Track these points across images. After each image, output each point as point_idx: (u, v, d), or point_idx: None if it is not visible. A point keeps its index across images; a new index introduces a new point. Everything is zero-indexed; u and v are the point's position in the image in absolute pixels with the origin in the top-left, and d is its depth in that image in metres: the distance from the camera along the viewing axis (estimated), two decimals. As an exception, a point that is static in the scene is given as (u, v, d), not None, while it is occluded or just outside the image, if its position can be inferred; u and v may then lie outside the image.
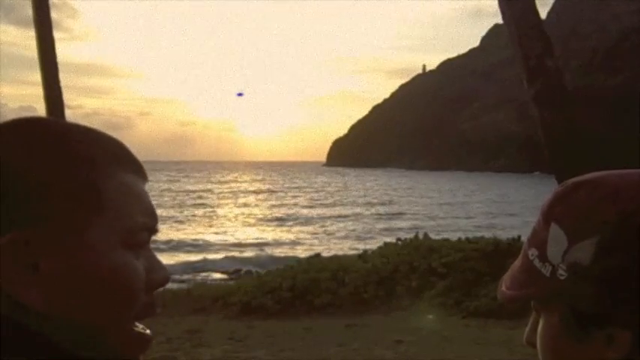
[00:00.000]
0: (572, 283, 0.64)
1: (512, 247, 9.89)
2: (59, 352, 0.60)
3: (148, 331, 0.66)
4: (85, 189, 0.61)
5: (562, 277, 0.65)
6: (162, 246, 25.01)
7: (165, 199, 57.34)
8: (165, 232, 30.58)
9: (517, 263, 0.73)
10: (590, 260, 0.63)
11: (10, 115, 0.69)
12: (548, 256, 0.67)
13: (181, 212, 44.73)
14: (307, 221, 39.10)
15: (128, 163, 0.66)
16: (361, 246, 20.58)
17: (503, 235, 12.28)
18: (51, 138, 0.62)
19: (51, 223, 0.59)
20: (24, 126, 0.63)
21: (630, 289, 0.61)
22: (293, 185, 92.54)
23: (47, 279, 0.59)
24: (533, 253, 0.69)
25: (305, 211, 46.49)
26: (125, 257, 0.62)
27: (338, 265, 10.56)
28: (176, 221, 38.10)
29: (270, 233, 33.14)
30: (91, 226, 0.61)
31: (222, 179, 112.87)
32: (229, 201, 58.67)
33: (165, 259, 22.05)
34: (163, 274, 0.67)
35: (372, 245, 15.76)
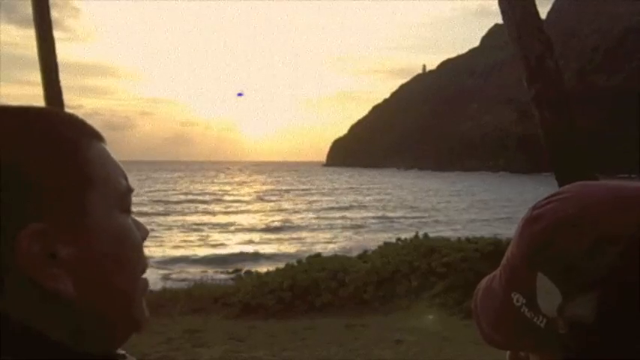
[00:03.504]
0: (575, 340, 0.60)
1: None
2: (61, 350, 0.60)
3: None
4: (73, 168, 0.62)
5: (562, 332, 0.61)
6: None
7: (170, 198, 57.36)
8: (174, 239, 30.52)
9: (495, 299, 0.68)
10: (594, 317, 0.59)
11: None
12: (540, 307, 0.63)
13: (173, 216, 44.60)
14: (319, 227, 36.98)
15: (92, 132, 0.67)
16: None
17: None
18: (26, 125, 0.62)
19: (55, 209, 0.59)
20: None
21: (638, 345, 0.59)
22: (300, 187, 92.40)
23: (69, 265, 0.59)
24: (518, 299, 0.65)
25: (313, 215, 46.02)
26: (124, 220, 0.65)
27: (338, 265, 10.55)
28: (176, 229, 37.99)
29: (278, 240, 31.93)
30: (88, 201, 0.61)
31: (224, 181, 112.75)
32: (232, 205, 58.40)
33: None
34: (145, 231, 0.70)
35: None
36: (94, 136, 0.67)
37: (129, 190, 0.67)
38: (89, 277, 0.61)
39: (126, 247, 0.64)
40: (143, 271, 0.68)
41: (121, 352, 0.69)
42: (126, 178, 0.68)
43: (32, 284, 0.58)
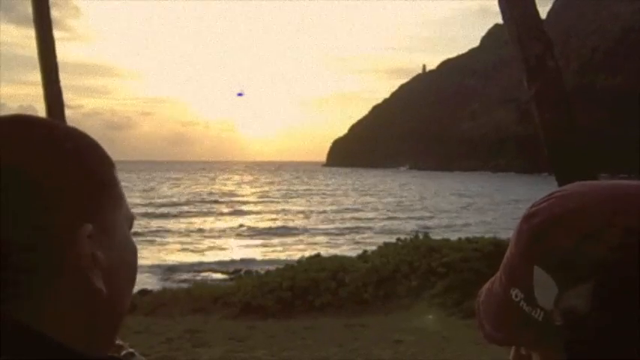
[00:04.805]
0: (571, 330, 0.62)
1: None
2: (61, 350, 0.60)
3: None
4: (112, 185, 0.68)
5: (558, 323, 0.63)
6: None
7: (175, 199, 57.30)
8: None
9: (496, 298, 0.70)
10: (589, 308, 0.61)
11: (9, 116, 0.71)
12: (537, 301, 0.64)
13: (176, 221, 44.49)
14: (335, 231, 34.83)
15: (109, 159, 0.72)
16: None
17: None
18: (90, 143, 0.69)
19: (96, 216, 0.64)
20: (46, 129, 0.66)
21: (633, 335, 0.60)
22: (300, 187, 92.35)
23: (103, 269, 0.63)
24: (517, 294, 0.66)
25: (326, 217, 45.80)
26: (132, 240, 0.70)
27: (338, 265, 10.56)
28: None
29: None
30: (117, 216, 0.67)
31: (224, 182, 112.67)
32: (232, 206, 58.30)
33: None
34: None
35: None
36: (111, 163, 0.72)
37: (133, 217, 0.73)
38: (111, 285, 0.64)
39: (134, 267, 0.69)
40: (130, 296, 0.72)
41: (130, 349, 0.71)
42: None
43: (79, 282, 0.61)
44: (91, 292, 0.62)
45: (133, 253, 0.70)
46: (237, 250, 27.03)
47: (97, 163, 0.68)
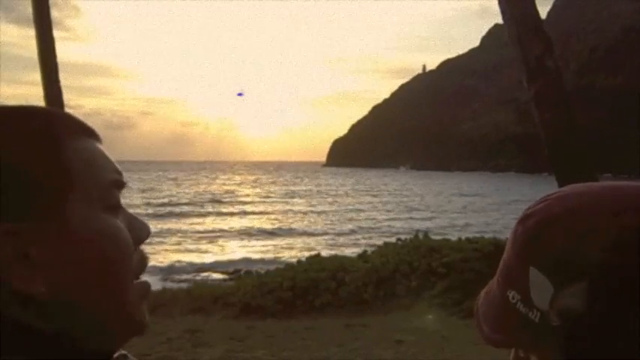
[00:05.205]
0: (567, 330, 0.62)
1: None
2: (61, 349, 0.59)
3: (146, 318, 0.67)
4: (52, 168, 0.60)
5: (554, 324, 0.63)
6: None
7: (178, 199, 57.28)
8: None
9: (494, 301, 0.70)
10: (583, 307, 0.61)
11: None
12: (533, 301, 0.64)
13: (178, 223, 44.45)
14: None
15: (80, 129, 0.65)
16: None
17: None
18: (7, 123, 0.61)
19: (30, 210, 0.58)
20: None
21: (628, 334, 0.60)
22: (301, 188, 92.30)
23: (43, 266, 0.58)
24: (514, 296, 0.66)
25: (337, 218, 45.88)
26: (108, 220, 0.63)
27: (338, 265, 10.55)
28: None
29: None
30: (68, 203, 0.60)
31: (224, 182, 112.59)
32: (232, 207, 58.31)
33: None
34: (145, 229, 0.68)
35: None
36: (82, 132, 0.65)
37: (117, 186, 0.66)
38: (68, 278, 0.59)
39: (109, 247, 0.62)
40: (139, 271, 0.66)
41: (123, 352, 0.69)
42: (119, 173, 0.67)
43: (4, 285, 0.57)
44: (20, 294, 0.57)
45: (108, 240, 0.62)
46: (237, 250, 27.00)
47: (39, 141, 0.60)
